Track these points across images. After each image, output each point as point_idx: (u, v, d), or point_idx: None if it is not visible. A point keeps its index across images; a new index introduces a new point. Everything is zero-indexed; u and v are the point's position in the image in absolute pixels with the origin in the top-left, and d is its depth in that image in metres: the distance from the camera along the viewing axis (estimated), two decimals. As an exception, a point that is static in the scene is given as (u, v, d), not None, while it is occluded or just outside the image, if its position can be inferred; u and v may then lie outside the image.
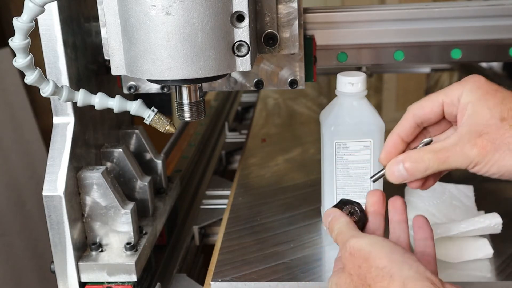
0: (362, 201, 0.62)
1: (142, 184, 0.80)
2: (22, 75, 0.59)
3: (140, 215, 0.80)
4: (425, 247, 0.60)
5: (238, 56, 0.60)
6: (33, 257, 1.85)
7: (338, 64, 0.86)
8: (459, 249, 0.76)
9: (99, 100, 0.65)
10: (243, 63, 0.61)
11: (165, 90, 0.80)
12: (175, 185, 0.93)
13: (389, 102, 1.66)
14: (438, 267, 0.59)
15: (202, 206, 1.03)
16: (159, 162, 0.87)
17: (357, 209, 0.61)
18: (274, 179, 1.05)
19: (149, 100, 0.68)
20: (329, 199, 0.82)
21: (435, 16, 0.82)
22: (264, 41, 0.68)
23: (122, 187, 0.76)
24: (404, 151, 0.58)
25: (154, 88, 0.80)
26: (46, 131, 1.97)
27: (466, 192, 0.89)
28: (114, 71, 0.63)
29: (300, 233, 0.85)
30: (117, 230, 0.72)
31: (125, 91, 0.80)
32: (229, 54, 0.60)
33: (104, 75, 0.80)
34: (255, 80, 0.79)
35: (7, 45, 0.66)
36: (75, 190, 0.70)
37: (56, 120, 0.71)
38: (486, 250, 0.76)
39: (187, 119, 0.65)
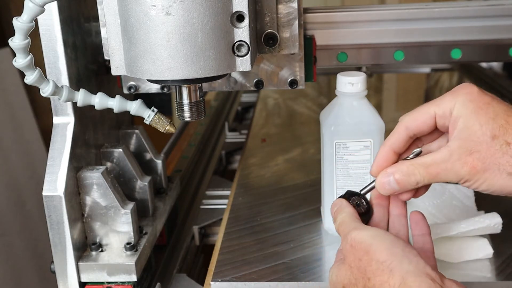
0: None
1: (142, 184, 0.80)
2: (22, 75, 0.59)
3: (140, 215, 0.80)
4: (424, 243, 0.60)
5: (238, 56, 0.60)
6: (33, 257, 1.85)
7: (338, 64, 0.86)
8: (459, 249, 0.76)
9: (99, 100, 0.65)
10: (243, 63, 0.61)
11: (165, 90, 0.80)
12: (175, 185, 0.93)
13: (389, 102, 1.66)
14: (438, 267, 0.59)
15: (202, 206, 1.03)
16: (159, 162, 0.87)
17: (363, 201, 0.61)
18: (274, 179, 1.05)
19: (149, 100, 0.68)
20: (329, 199, 0.82)
21: (435, 16, 0.82)
22: (264, 41, 0.68)
23: (122, 187, 0.76)
24: (396, 162, 0.58)
25: (154, 88, 0.80)
26: (46, 131, 1.97)
27: (466, 192, 0.89)
28: (114, 71, 0.63)
29: (300, 233, 0.85)
30: (117, 230, 0.72)
31: (125, 91, 0.80)
32: (229, 54, 0.60)
33: (104, 75, 0.80)
34: (255, 80, 0.79)
35: (7, 45, 0.66)
36: (75, 190, 0.70)
37: (56, 120, 0.71)
38: (486, 250, 0.76)
39: (187, 119, 0.65)
